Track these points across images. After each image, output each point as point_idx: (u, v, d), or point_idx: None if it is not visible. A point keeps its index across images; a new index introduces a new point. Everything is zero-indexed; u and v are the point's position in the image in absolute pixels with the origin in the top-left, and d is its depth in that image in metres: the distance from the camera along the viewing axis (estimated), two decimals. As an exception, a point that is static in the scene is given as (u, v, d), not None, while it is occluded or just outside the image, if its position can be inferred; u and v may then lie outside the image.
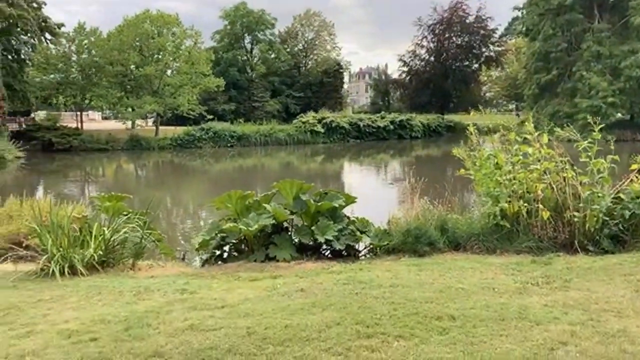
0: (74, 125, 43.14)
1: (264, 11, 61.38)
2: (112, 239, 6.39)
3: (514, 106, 73.81)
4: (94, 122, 57.72)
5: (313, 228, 6.95)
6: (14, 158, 30.59)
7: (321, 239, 6.80)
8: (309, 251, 7.18)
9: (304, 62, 68.00)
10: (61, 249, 5.99)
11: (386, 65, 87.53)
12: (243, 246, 7.40)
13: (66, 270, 5.78)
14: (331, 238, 6.76)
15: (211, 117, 46.07)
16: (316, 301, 4.46)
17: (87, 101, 45.12)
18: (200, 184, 26.67)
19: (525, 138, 7.18)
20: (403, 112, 54.96)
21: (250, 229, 6.57)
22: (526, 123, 7.28)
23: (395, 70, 75.33)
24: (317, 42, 68.40)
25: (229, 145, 42.79)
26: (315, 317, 4.01)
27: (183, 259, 8.23)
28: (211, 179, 29.16)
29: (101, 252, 6.20)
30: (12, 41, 40.06)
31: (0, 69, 33.67)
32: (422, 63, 60.89)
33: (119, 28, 40.77)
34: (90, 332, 3.85)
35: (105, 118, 65.18)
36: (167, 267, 6.72)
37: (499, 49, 60.39)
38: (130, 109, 42.20)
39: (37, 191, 22.41)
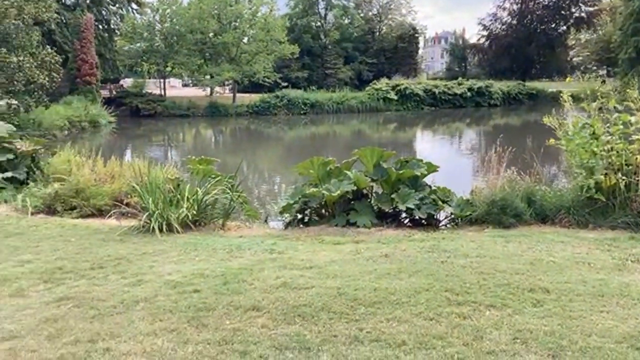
0: (157, 92, 45.43)
1: (337, -25, 60.18)
2: (204, 199, 6.78)
3: (604, 72, 67.91)
4: (175, 89, 60.27)
5: (393, 196, 6.96)
6: (107, 123, 32.89)
7: (402, 207, 6.81)
8: (389, 218, 7.22)
9: (378, 27, 66.32)
10: (159, 208, 6.45)
11: (464, 30, 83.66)
12: (323, 211, 7.58)
13: (164, 227, 6.24)
14: (412, 206, 6.74)
15: (285, 84, 46.58)
16: (402, 267, 4.52)
17: (169, 69, 47.17)
18: (274, 150, 27.33)
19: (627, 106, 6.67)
20: (481, 79, 52.46)
21: (332, 194, 6.70)
22: (629, 90, 6.74)
23: (473, 35, 71.75)
24: (391, 6, 66.28)
25: (302, 112, 43.20)
26: (403, 282, 4.07)
27: (265, 221, 8.58)
28: (284, 145, 29.76)
29: (194, 212, 6.62)
30: (103, 12, 42.42)
31: (94, 38, 35.87)
32: (504, 27, 57.33)
33: (199, -4, 41.75)
34: (192, 284, 4.17)
35: (185, 85, 67.87)
36: (253, 228, 7.05)
37: (592, 9, 55.36)
38: (209, 76, 43.60)
39: (126, 154, 24.08)
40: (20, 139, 9.38)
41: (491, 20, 57.14)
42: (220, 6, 41.48)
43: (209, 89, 45.61)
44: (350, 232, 6.49)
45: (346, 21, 62.75)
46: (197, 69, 42.78)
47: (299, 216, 7.55)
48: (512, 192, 6.80)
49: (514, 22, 56.22)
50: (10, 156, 8.40)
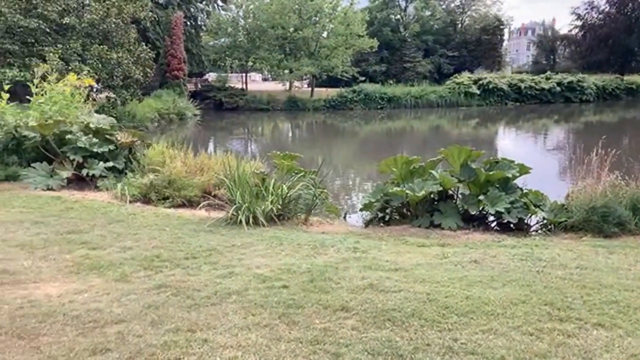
0: (239, 86, 47.04)
1: (421, -34, 58.74)
2: (288, 194, 6.90)
3: None
4: (255, 83, 62.08)
5: (481, 198, 6.68)
6: (192, 115, 34.60)
7: (491, 210, 6.52)
8: (475, 221, 6.94)
9: (460, 19, 64.05)
10: (246, 201, 6.65)
11: (553, 20, 78.34)
12: (405, 210, 7.44)
13: (250, 220, 6.42)
14: (502, 210, 6.42)
15: (362, 78, 46.37)
16: (494, 275, 4.32)
17: (250, 63, 48.62)
18: (348, 145, 27.33)
19: None
20: (572, 73, 48.99)
21: (416, 194, 6.55)
22: None
23: (564, 25, 67.10)
24: (476, -3, 63.73)
25: (379, 107, 42.82)
26: (497, 291, 3.88)
27: (345, 217, 8.60)
28: (360, 140, 29.65)
29: (279, 206, 6.75)
30: (191, 9, 44.53)
31: (183, 34, 37.80)
32: (601, 16, 53.11)
33: (281, -8, 42.57)
34: (280, 279, 4.25)
35: (264, 79, 69.75)
36: (334, 225, 7.08)
37: None
38: (288, 71, 44.43)
39: (209, 145, 25.18)
40: (119, 130, 10.09)
41: (586, 9, 53.22)
42: (301, 1, 42.03)
43: (288, 84, 46.51)
44: (435, 234, 6.32)
45: (427, 13, 61.22)
46: (278, 63, 43.70)
47: (380, 214, 7.47)
48: (615, 198, 6.28)
49: (613, 10, 51.93)
50: (112, 147, 9.04)
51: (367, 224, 7.43)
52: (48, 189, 8.09)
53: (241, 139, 29.92)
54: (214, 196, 7.76)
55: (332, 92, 43.68)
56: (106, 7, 20.20)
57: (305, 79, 48.62)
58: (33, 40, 18.53)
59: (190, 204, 7.76)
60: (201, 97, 40.71)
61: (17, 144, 8.94)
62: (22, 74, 16.17)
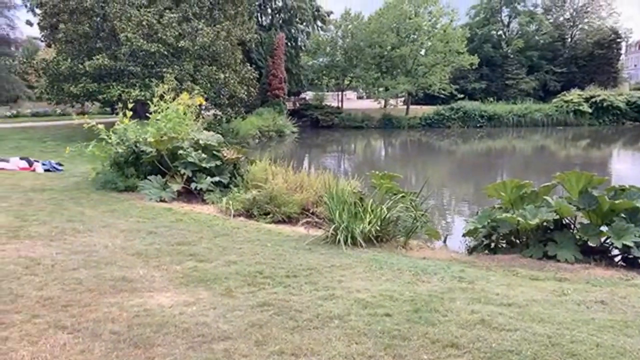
0: (335, 104, 47.87)
1: (527, -21, 56.11)
2: (387, 216, 6.73)
3: None
4: (351, 101, 62.83)
5: (604, 229, 6.00)
6: (290, 132, 35.77)
7: (616, 243, 5.83)
8: (595, 254, 6.25)
9: (570, 33, 59.95)
10: (344, 220, 6.59)
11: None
12: (513, 238, 6.93)
13: (349, 240, 6.34)
14: (630, 244, 5.71)
15: (461, 96, 45.01)
16: (627, 320, 3.79)
17: (347, 82, 49.37)
18: (445, 164, 26.46)
19: None
20: None
21: (529, 222, 6.05)
22: None
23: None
24: (589, 9, 59.30)
25: (478, 125, 41.21)
26: (633, 340, 3.39)
27: (444, 241, 8.22)
28: (457, 159, 28.60)
29: (377, 227, 6.60)
30: (292, 30, 46.34)
31: (284, 55, 39.44)
32: None
33: (380, 11, 42.94)
34: (382, 306, 4.08)
35: (359, 97, 70.33)
36: (436, 250, 6.77)
37: None
38: (383, 89, 44.42)
39: (305, 162, 25.73)
40: (225, 146, 10.60)
41: None
42: (399, 20, 41.98)
43: (383, 101, 46.45)
44: (550, 267, 5.77)
45: (532, 28, 58.20)
46: (374, 81, 43.91)
47: (486, 241, 7.02)
48: None
49: None
50: (218, 163, 9.51)
51: (471, 250, 7.02)
52: (161, 201, 8.67)
53: (336, 156, 30.26)
54: (313, 214, 7.82)
55: (428, 110, 42.88)
56: (216, 31, 21.61)
57: (400, 97, 48.21)
58: (153, 63, 20.32)
59: (289, 220, 7.88)
60: (299, 115, 42.02)
61: (136, 157, 9.72)
62: (142, 93, 17.77)
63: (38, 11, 23.34)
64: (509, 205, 6.85)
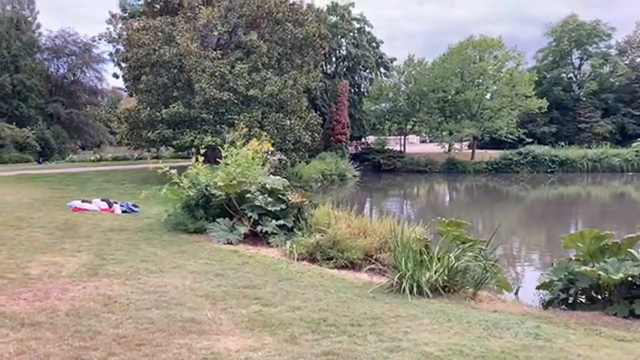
0: (397, 148, 47.82)
1: (599, 21, 54.49)
2: (455, 265, 6.51)
3: None
4: (413, 145, 62.51)
5: (701, 287, 5.46)
6: (352, 176, 35.99)
7: None
8: (691, 315, 5.67)
9: (649, 73, 56.90)
10: (409, 268, 6.44)
11: None
12: (593, 293, 6.45)
13: (414, 289, 6.17)
14: None
15: (530, 140, 43.56)
16: None
17: (409, 126, 49.40)
18: (514, 211, 25.39)
19: None
20: None
21: (612, 276, 5.63)
22: None
23: None
24: (668, 49, 56.33)
25: (549, 170, 39.46)
26: None
27: (516, 293, 7.81)
28: (526, 206, 27.37)
29: (444, 277, 6.39)
30: (356, 77, 47.45)
31: (347, 100, 40.32)
32: None
33: (443, 57, 43.14)
34: (451, 362, 3.90)
35: (422, 141, 69.81)
36: (508, 303, 6.43)
37: None
38: (447, 133, 43.93)
39: (366, 206, 25.62)
40: (290, 190, 10.82)
41: None
42: (463, 64, 41.89)
43: (447, 145, 45.85)
44: (638, 327, 5.29)
45: (606, 70, 55.88)
46: (437, 125, 43.64)
47: (562, 296, 6.57)
48: None
49: None
50: (283, 206, 9.69)
51: (547, 305, 6.59)
52: (228, 243, 8.91)
53: (398, 200, 29.94)
54: (376, 260, 7.72)
55: (494, 154, 41.74)
56: (284, 80, 22.57)
57: (465, 141, 47.39)
58: (224, 110, 21.44)
59: (353, 266, 7.81)
60: (361, 159, 42.31)
61: (206, 200, 10.13)
62: (213, 139, 18.70)
63: (123, 65, 25.51)
64: (588, 258, 6.43)
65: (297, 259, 7.96)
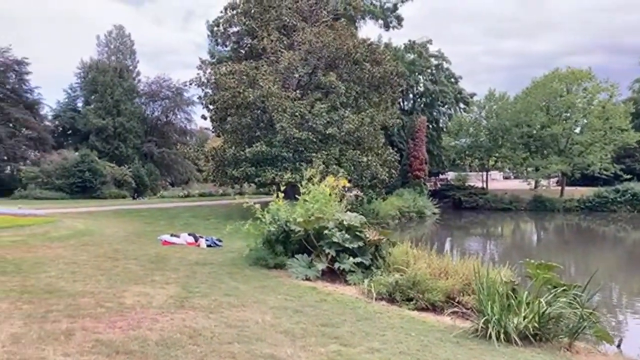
0: (478, 184, 46.15)
1: None
2: (546, 311, 6.06)
3: None
4: (496, 181, 60.04)
5: None
6: (431, 214, 35.09)
7: None
8: None
9: None
10: (496, 313, 6.08)
11: None
12: None
13: (501, 335, 5.80)
14: None
15: (628, 176, 40.17)
16: None
17: (491, 162, 47.64)
18: (612, 253, 23.26)
19: None
20: None
21: None
22: None
23: None
24: None
25: (651, 209, 36.00)
26: None
27: (618, 346, 7.06)
28: (627, 249, 24.99)
29: (535, 324, 5.96)
30: (434, 113, 46.97)
31: (425, 136, 39.88)
32: None
33: (527, 90, 41.61)
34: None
35: (506, 177, 66.95)
36: (609, 356, 5.84)
37: None
38: (533, 169, 41.79)
39: (446, 245, 24.71)
40: (367, 227, 10.76)
41: None
42: (549, 98, 40.06)
43: (533, 182, 43.53)
44: None
45: None
46: (522, 161, 41.67)
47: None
48: None
49: None
50: (361, 244, 9.64)
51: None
52: (306, 279, 8.97)
53: (481, 240, 28.60)
54: (459, 303, 7.39)
55: (587, 192, 38.91)
56: (361, 118, 22.88)
57: (553, 177, 44.71)
58: (303, 148, 22.05)
59: (433, 308, 7.52)
60: (440, 196, 41.25)
61: (286, 236, 10.34)
62: (293, 176, 19.22)
63: (211, 107, 27.21)
64: None
65: (376, 299, 7.81)
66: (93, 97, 45.52)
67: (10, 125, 38.30)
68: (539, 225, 34.87)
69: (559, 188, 42.54)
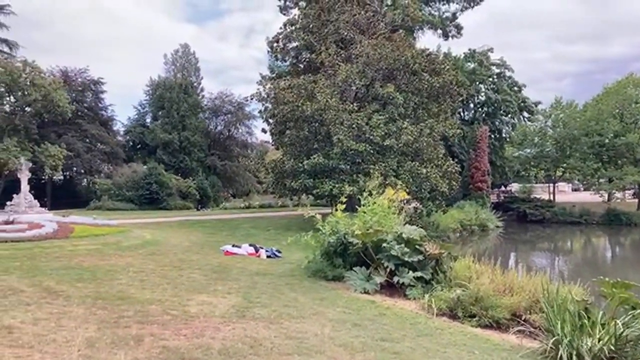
0: (544, 196, 44.00)
1: None
2: (624, 333, 5.65)
3: None
4: (564, 193, 57.01)
5: None
6: (495, 227, 33.80)
7: None
8: None
9: None
10: (566, 334, 5.75)
11: None
12: None
13: (573, 357, 5.47)
14: None
15: None
16: None
17: (559, 173, 45.34)
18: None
19: None
20: None
21: None
22: None
23: None
24: None
25: None
26: None
27: None
28: None
29: (611, 347, 5.57)
30: (496, 123, 45.43)
31: (487, 147, 38.64)
32: None
33: (597, 97, 39.42)
34: None
35: (575, 189, 63.45)
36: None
37: None
38: (606, 181, 39.33)
39: (510, 260, 23.66)
40: (427, 241, 10.52)
41: None
42: (623, 105, 37.69)
43: (606, 194, 40.91)
44: None
45: None
46: (592, 172, 39.30)
47: None
48: None
49: None
50: (420, 257, 9.45)
51: None
52: (365, 292, 8.91)
53: (549, 255, 27.16)
54: (525, 321, 7.06)
55: (668, 205, 36.05)
56: (420, 128, 22.58)
57: (629, 189, 41.82)
58: (360, 160, 22.04)
59: (498, 325, 7.22)
60: (504, 209, 39.72)
61: (344, 248, 10.33)
62: (350, 188, 19.24)
63: (270, 120, 27.86)
64: None
65: (436, 314, 7.62)
66: (160, 112, 47.93)
67: (87, 140, 41.03)
68: (613, 240, 32.68)
69: (636, 200, 39.71)
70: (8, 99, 35.44)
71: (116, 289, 7.87)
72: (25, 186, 19.20)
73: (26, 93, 33.31)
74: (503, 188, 49.81)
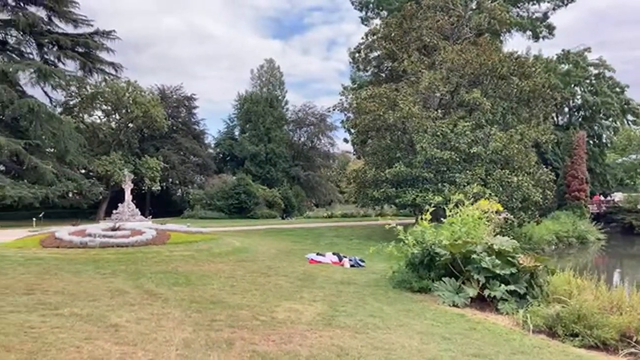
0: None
1: None
2: None
3: None
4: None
5: None
6: (595, 239, 31.17)
7: None
8: None
9: None
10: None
11: None
12: None
13: (698, 387, 4.85)
14: None
15: None
16: None
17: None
18: None
19: None
20: None
21: None
22: None
23: None
24: None
25: None
26: None
27: None
28: None
29: None
30: (595, 127, 42.08)
31: (585, 153, 35.86)
32: None
33: None
34: None
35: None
36: None
37: None
38: None
39: (615, 275, 21.63)
40: (520, 253, 9.92)
41: None
42: None
43: None
44: None
45: None
46: None
47: None
48: None
49: None
50: (513, 270, 8.92)
51: None
52: (453, 305, 8.57)
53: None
54: (637, 342, 6.39)
55: None
56: (509, 135, 21.49)
57: None
58: (445, 169, 21.41)
59: (605, 346, 6.61)
60: (606, 220, 36.54)
61: (430, 259, 10.03)
62: (435, 197, 18.71)
63: (352, 130, 27.98)
64: None
65: (532, 331, 7.13)
66: (248, 125, 50.00)
67: (181, 153, 43.82)
68: None
69: None
70: (114, 116, 38.95)
71: (209, 294, 8.26)
72: (128, 196, 20.82)
73: (129, 110, 36.41)
74: (604, 197, 45.84)
